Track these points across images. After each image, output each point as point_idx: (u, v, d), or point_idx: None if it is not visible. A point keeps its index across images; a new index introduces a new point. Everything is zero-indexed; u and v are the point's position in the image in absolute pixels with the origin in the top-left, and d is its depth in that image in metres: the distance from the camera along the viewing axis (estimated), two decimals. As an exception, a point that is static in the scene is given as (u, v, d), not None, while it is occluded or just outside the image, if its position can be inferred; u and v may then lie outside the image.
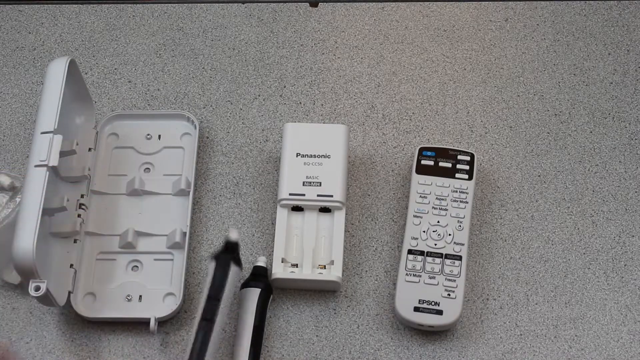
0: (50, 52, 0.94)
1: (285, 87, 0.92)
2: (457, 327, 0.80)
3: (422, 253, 0.79)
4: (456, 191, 0.82)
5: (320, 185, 0.82)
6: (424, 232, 0.80)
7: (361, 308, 0.81)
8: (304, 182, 0.82)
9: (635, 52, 0.93)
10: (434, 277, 0.78)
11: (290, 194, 0.82)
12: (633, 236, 0.84)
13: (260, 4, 0.96)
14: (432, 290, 0.78)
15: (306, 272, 0.80)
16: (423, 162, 0.84)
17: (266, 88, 0.92)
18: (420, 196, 0.82)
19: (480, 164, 0.87)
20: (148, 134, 0.88)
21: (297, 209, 0.82)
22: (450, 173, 0.83)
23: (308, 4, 0.97)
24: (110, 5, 0.97)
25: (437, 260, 0.79)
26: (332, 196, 0.81)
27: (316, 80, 0.92)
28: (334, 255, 0.80)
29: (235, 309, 0.80)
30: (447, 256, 0.79)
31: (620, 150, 0.88)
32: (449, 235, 0.80)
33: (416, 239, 0.80)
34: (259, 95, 0.91)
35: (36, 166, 0.74)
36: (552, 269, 0.83)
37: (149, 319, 0.77)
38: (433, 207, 0.81)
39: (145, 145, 0.87)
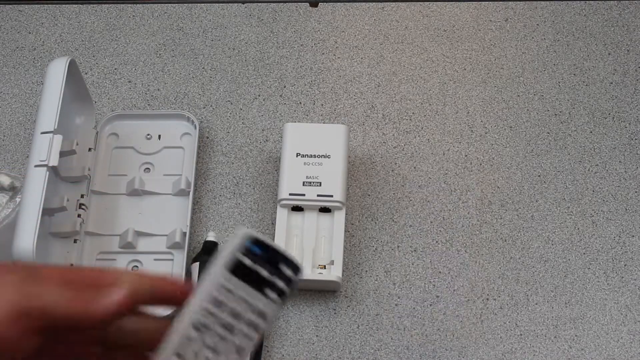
0: (50, 52, 0.94)
1: (285, 87, 0.92)
2: (457, 326, 0.80)
3: None
4: (255, 313, 0.56)
5: (320, 185, 0.82)
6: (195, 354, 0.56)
7: (361, 308, 0.81)
8: (304, 182, 0.82)
9: (635, 52, 0.93)
10: None
11: (290, 194, 0.82)
12: (633, 236, 0.84)
13: (260, 4, 0.96)
14: None
15: (306, 272, 0.80)
16: (242, 259, 0.56)
17: (266, 88, 0.92)
18: (215, 305, 0.55)
19: (480, 164, 0.87)
20: (148, 134, 0.88)
21: (297, 209, 0.82)
22: (264, 288, 0.56)
23: (308, 4, 0.97)
24: (110, 5, 0.97)
25: None
26: (332, 196, 0.81)
27: (316, 80, 0.92)
28: (334, 255, 0.80)
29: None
30: None
31: (620, 150, 0.88)
32: None
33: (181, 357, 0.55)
34: (259, 95, 0.91)
35: (36, 166, 0.74)
36: (552, 269, 0.83)
37: (149, 319, 0.77)
38: (221, 325, 0.56)
39: (145, 145, 0.87)
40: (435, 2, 0.96)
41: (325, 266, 0.80)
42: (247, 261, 0.55)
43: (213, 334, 0.55)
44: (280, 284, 0.56)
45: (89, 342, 0.50)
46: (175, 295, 0.52)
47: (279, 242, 0.81)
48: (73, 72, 0.80)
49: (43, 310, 0.46)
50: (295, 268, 0.56)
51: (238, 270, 0.55)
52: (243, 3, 0.97)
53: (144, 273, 0.51)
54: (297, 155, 0.83)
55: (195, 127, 0.87)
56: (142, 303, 0.50)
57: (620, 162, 0.88)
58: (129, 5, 0.96)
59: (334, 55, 0.93)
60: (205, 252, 0.80)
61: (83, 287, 0.48)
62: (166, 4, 0.97)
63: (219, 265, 0.55)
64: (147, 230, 0.82)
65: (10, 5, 0.97)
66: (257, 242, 0.55)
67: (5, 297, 0.46)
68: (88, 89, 0.85)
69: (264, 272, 0.56)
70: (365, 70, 0.93)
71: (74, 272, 0.49)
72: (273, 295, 0.56)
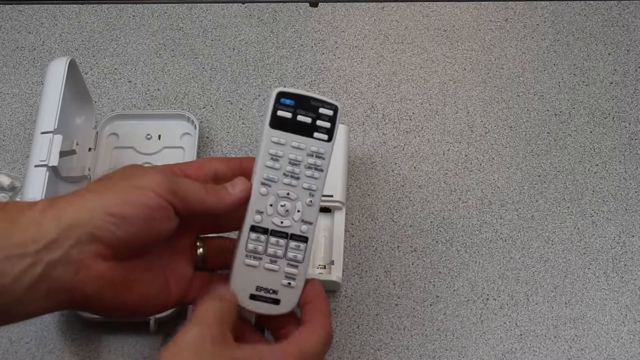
0: (50, 52, 0.94)
1: (285, 87, 0.91)
2: (457, 326, 0.80)
3: (265, 231, 0.65)
4: (312, 155, 0.65)
5: (320, 185, 0.82)
6: (271, 205, 0.64)
7: (361, 308, 0.81)
8: (304, 182, 0.82)
9: (635, 52, 0.93)
10: (275, 262, 0.65)
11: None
12: (633, 236, 0.84)
13: (260, 4, 0.96)
14: (271, 276, 0.65)
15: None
16: (280, 112, 0.64)
17: (266, 88, 0.92)
18: (272, 158, 0.64)
19: (480, 164, 0.87)
20: (148, 134, 0.88)
21: (297, 208, 0.82)
22: (308, 130, 0.65)
23: (308, 4, 0.97)
24: (110, 5, 0.97)
25: (281, 241, 0.65)
26: (332, 196, 0.81)
27: (316, 80, 0.92)
28: (334, 255, 0.80)
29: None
30: (292, 237, 0.65)
31: (620, 150, 0.88)
32: (298, 211, 0.65)
33: (261, 213, 0.65)
34: (259, 95, 0.91)
35: (36, 166, 0.74)
36: (552, 269, 0.83)
37: (149, 319, 0.77)
38: (284, 174, 0.65)
39: (145, 145, 0.87)
40: (435, 2, 0.96)
41: (325, 266, 0.80)
42: (284, 113, 0.63)
43: (280, 184, 0.64)
44: (321, 122, 0.64)
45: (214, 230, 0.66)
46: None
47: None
48: (73, 72, 0.80)
49: (185, 196, 0.59)
50: (330, 105, 0.65)
51: (281, 124, 0.64)
52: (243, 3, 0.97)
53: (235, 159, 0.66)
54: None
55: (195, 127, 0.87)
56: None
57: (620, 162, 0.88)
58: (129, 5, 0.96)
59: (334, 55, 0.93)
60: None
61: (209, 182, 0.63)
62: (166, 4, 0.97)
63: (263, 126, 0.64)
64: (147, 230, 0.82)
65: (10, 5, 0.97)
66: (287, 95, 0.64)
67: (160, 182, 0.58)
68: (88, 89, 0.85)
69: (302, 117, 0.64)
70: (365, 70, 0.93)
71: (186, 172, 0.63)
72: (320, 134, 0.65)
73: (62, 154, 0.77)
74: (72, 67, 0.80)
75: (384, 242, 0.84)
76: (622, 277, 0.82)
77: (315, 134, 0.65)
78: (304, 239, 0.65)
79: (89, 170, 0.83)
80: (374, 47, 0.94)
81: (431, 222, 0.84)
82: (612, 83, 0.92)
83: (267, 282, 0.65)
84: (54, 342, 0.79)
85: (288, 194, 0.64)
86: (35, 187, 0.73)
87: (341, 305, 0.81)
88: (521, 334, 0.80)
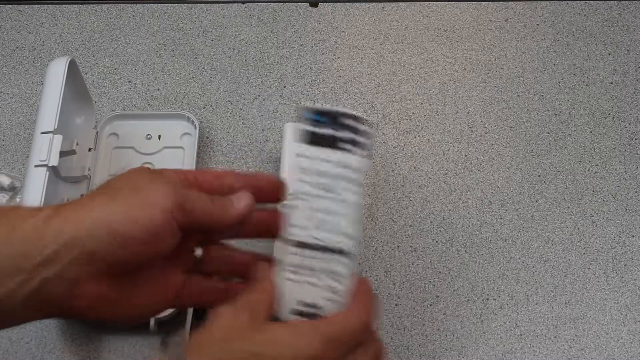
0: (50, 52, 0.94)
1: (285, 87, 0.92)
2: (457, 326, 0.80)
3: (302, 245, 0.62)
4: (347, 168, 0.63)
5: (320, 185, 0.82)
6: (305, 218, 0.62)
7: (361, 308, 0.81)
8: (304, 182, 0.82)
9: (635, 52, 0.93)
10: (315, 276, 0.62)
11: (290, 194, 0.82)
12: (633, 236, 0.84)
13: (260, 4, 0.96)
14: (313, 291, 0.62)
15: (306, 272, 0.79)
16: (310, 128, 0.62)
17: (266, 88, 0.92)
18: (301, 171, 0.62)
19: (480, 164, 0.87)
20: (148, 134, 0.88)
21: (297, 208, 0.82)
22: (339, 144, 0.63)
23: (308, 4, 0.97)
24: (110, 5, 0.97)
25: (319, 254, 0.61)
26: (332, 196, 0.81)
27: (316, 80, 0.92)
28: (334, 255, 0.80)
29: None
30: (333, 250, 0.62)
31: (620, 150, 0.88)
32: (337, 224, 0.62)
33: (295, 226, 0.62)
34: (259, 95, 0.91)
35: (36, 166, 0.74)
36: (552, 269, 0.83)
37: (149, 318, 0.77)
38: (319, 188, 0.63)
39: (145, 145, 0.87)
40: (435, 2, 0.96)
41: (325, 266, 0.80)
42: (312, 128, 0.62)
43: (315, 197, 0.62)
44: (348, 135, 0.62)
45: (211, 241, 0.64)
46: (276, 186, 0.63)
47: (279, 242, 0.80)
48: (73, 72, 0.80)
49: (192, 209, 0.57)
50: (355, 118, 0.63)
51: (311, 139, 0.62)
52: (243, 3, 0.97)
53: (249, 175, 0.63)
54: (297, 156, 0.83)
55: (195, 127, 0.87)
56: (258, 201, 0.61)
57: (620, 162, 0.88)
58: (129, 5, 0.96)
59: (334, 55, 0.93)
60: None
61: (213, 193, 0.60)
62: (166, 4, 0.97)
63: (295, 142, 0.64)
64: (147, 230, 0.82)
65: (10, 5, 0.97)
66: (313, 111, 0.63)
67: (169, 195, 0.55)
68: (88, 89, 0.85)
69: (329, 131, 0.62)
70: (365, 70, 0.93)
71: (200, 179, 0.61)
72: (348, 146, 0.62)
73: (62, 154, 0.77)
74: (72, 67, 0.80)
75: (384, 242, 0.84)
76: (622, 277, 0.82)
77: (342, 145, 0.62)
78: (345, 253, 0.61)
79: (89, 170, 0.83)
80: (374, 47, 0.94)
81: (431, 222, 0.84)
82: (612, 83, 0.92)
83: (308, 297, 0.61)
84: (54, 342, 0.79)
85: (325, 207, 0.62)
86: (35, 187, 0.73)
87: (341, 305, 0.81)
88: (521, 334, 0.80)
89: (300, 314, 0.60)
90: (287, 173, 0.63)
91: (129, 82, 0.92)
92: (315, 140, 0.62)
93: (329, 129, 0.62)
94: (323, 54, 0.94)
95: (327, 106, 0.63)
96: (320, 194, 0.62)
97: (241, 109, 0.91)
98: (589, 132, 0.89)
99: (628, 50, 0.93)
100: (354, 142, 0.63)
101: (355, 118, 0.62)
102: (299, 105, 0.62)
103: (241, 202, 0.61)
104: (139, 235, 0.54)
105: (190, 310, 0.78)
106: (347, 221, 0.61)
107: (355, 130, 0.62)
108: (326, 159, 0.62)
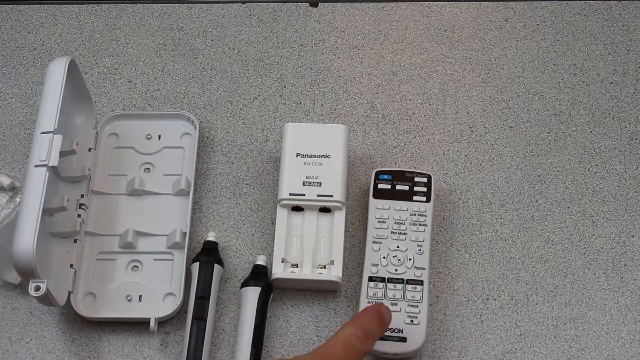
0: (50, 52, 0.94)
1: (285, 87, 0.92)
2: (457, 326, 0.80)
3: (382, 280, 0.78)
4: (414, 214, 0.80)
5: (320, 185, 0.82)
6: (384, 257, 0.79)
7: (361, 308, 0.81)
8: (304, 182, 0.82)
9: (635, 52, 0.93)
10: (396, 304, 0.77)
11: (290, 194, 0.82)
12: (633, 236, 0.84)
13: (260, 4, 0.96)
14: (394, 317, 0.75)
15: (306, 272, 0.80)
16: (380, 185, 0.82)
17: (266, 88, 0.92)
18: (379, 221, 0.80)
19: (480, 164, 0.87)
20: (148, 134, 0.88)
21: (297, 209, 0.82)
22: (407, 196, 0.81)
23: (308, 4, 0.97)
24: (110, 5, 0.97)
25: (399, 286, 0.78)
26: (332, 196, 0.81)
27: (316, 80, 0.92)
28: (334, 255, 0.80)
29: (235, 309, 0.80)
30: (409, 281, 0.78)
31: (620, 150, 0.88)
32: (409, 260, 0.79)
33: (376, 265, 0.79)
34: (259, 95, 0.91)
35: (36, 166, 0.74)
36: (552, 269, 0.83)
37: (149, 319, 0.77)
38: (392, 232, 0.80)
39: (145, 145, 0.87)
40: (435, 2, 0.96)
41: (325, 266, 0.80)
42: (382, 185, 0.82)
43: (389, 240, 0.79)
44: (418, 188, 0.81)
45: None
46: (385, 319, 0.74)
47: (279, 242, 0.81)
48: (73, 72, 0.80)
49: None
50: (420, 174, 0.82)
51: (382, 194, 0.82)
52: (243, 3, 0.97)
53: (366, 325, 0.71)
54: (297, 155, 0.83)
55: (195, 127, 0.87)
56: None
57: (620, 162, 0.88)
58: (129, 5, 0.97)
59: (334, 55, 0.93)
60: (205, 252, 0.80)
61: None
62: (166, 4, 0.97)
63: (370, 198, 0.82)
64: (147, 230, 0.82)
65: (10, 5, 0.97)
66: (383, 172, 0.83)
67: None
68: (88, 89, 0.85)
69: (400, 186, 0.81)
70: (365, 70, 0.93)
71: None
72: (418, 197, 0.81)
73: (62, 154, 0.77)
74: (72, 67, 0.80)
75: (384, 242, 0.84)
76: (622, 277, 0.82)
77: (415, 197, 0.81)
78: (419, 282, 0.78)
79: (89, 170, 0.83)
80: (374, 47, 0.94)
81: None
82: (612, 83, 0.92)
83: (392, 323, 0.74)
84: (54, 342, 0.79)
85: (398, 246, 0.79)
86: (35, 187, 0.73)
87: (341, 305, 0.81)
88: (521, 334, 0.80)
89: (387, 338, 0.76)
90: (368, 223, 0.81)
91: (129, 82, 0.92)
92: (385, 194, 0.82)
93: (394, 183, 0.82)
94: (323, 54, 0.94)
95: (392, 168, 0.84)
96: (393, 237, 0.80)
97: (241, 109, 0.91)
98: (589, 132, 0.89)
99: (628, 50, 0.93)
100: (421, 193, 0.81)
101: (416, 174, 0.82)
102: (373, 171, 0.82)
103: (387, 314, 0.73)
104: None
105: (190, 310, 0.78)
106: (418, 256, 0.79)
107: (421, 184, 0.82)
108: (396, 208, 0.81)
